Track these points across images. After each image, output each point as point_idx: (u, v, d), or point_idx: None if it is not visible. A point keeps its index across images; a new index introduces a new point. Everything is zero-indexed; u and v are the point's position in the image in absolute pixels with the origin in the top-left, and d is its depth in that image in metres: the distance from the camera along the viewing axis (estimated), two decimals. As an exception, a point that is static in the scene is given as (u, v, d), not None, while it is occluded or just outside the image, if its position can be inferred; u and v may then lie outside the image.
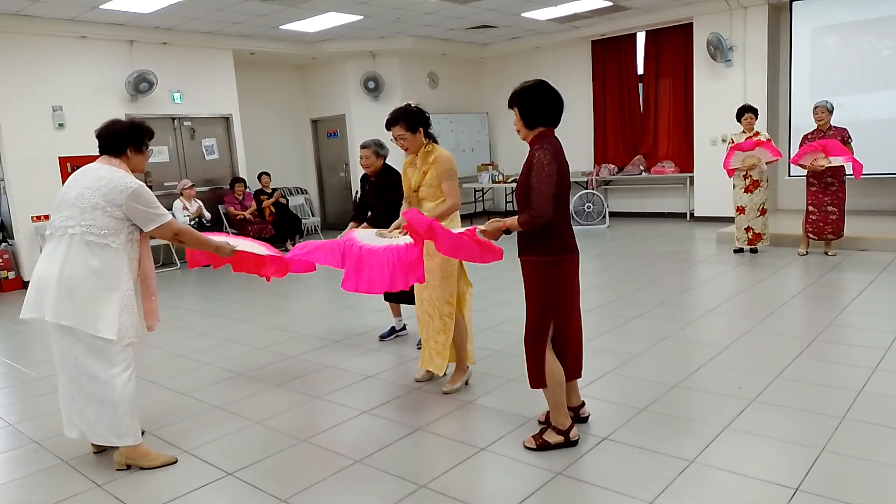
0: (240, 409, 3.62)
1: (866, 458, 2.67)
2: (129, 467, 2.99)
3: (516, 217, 2.87)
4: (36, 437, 3.43)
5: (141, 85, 8.45)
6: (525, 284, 2.92)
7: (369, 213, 4.55)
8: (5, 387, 4.34)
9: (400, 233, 3.61)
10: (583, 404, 3.18)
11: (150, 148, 3.17)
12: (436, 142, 3.76)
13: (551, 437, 2.92)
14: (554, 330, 2.90)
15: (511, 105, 2.94)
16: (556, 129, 2.94)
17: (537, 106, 2.87)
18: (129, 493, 2.77)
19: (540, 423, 3.15)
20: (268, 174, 9.84)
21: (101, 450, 3.15)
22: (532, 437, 2.96)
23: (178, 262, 8.86)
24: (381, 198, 4.48)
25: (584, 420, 3.15)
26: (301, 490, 2.69)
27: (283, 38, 9.81)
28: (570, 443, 2.91)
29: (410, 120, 3.64)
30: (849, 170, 6.44)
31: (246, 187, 9.48)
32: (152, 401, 3.81)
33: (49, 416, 3.72)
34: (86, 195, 2.87)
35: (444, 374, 3.82)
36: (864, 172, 6.51)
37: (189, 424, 3.47)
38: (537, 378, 2.90)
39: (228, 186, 9.47)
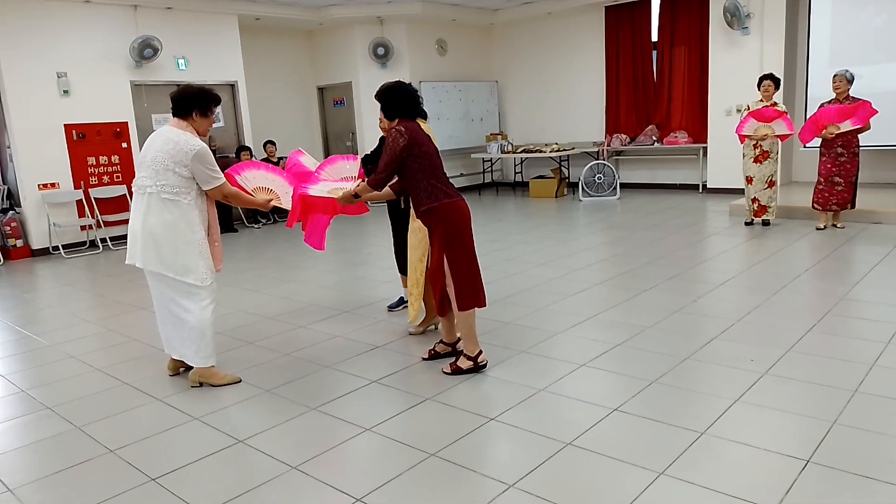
0: (249, 377, 3.63)
1: (878, 431, 2.64)
2: (201, 384, 3.54)
3: (363, 183, 3.52)
4: (48, 403, 3.45)
5: (145, 51, 8.34)
6: (429, 235, 3.51)
7: (369, 166, 4.47)
8: (16, 353, 4.36)
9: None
10: (458, 339, 3.67)
11: (216, 113, 3.55)
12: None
13: (463, 363, 3.47)
14: (451, 265, 3.37)
15: (377, 99, 3.59)
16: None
17: (395, 102, 3.47)
18: (136, 459, 2.79)
19: (445, 373, 3.53)
20: (273, 143, 9.75)
21: (176, 372, 3.73)
22: (449, 364, 3.52)
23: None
24: None
25: (461, 353, 3.59)
26: (312, 457, 2.70)
27: (289, 3, 9.64)
28: (478, 367, 3.47)
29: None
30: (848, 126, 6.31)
31: (251, 155, 9.40)
32: (158, 368, 3.82)
33: (60, 383, 3.75)
34: (158, 158, 3.29)
35: (436, 327, 4.19)
36: (878, 144, 6.40)
37: (199, 391, 3.49)
38: (443, 307, 3.52)
39: (234, 154, 9.40)
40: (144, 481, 2.60)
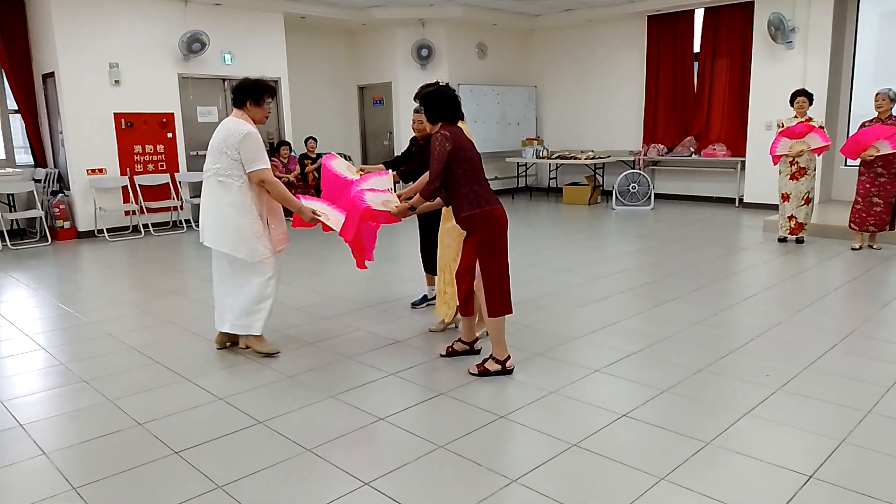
0: (273, 364, 3.78)
1: (886, 452, 2.64)
2: (247, 347, 3.92)
3: (416, 195, 3.59)
4: (84, 377, 3.65)
5: (193, 45, 8.63)
6: (465, 237, 3.51)
7: (401, 168, 4.57)
8: (58, 329, 4.60)
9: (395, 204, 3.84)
10: (477, 339, 3.80)
11: (270, 103, 3.81)
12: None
13: (491, 366, 3.51)
14: (485, 272, 3.40)
15: (418, 102, 3.63)
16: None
17: (438, 106, 3.47)
18: (162, 433, 2.95)
19: (472, 374, 3.58)
20: (315, 139, 9.95)
21: (223, 346, 4.00)
22: (476, 364, 3.55)
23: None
24: (423, 162, 4.49)
25: (477, 352, 3.77)
26: (326, 441, 2.82)
27: (333, 3, 9.85)
28: (506, 371, 3.50)
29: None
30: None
31: (291, 151, 9.64)
32: (189, 350, 3.99)
33: (97, 358, 3.96)
34: (216, 143, 3.63)
35: (456, 326, 4.24)
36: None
37: (225, 374, 3.64)
38: (467, 308, 3.56)
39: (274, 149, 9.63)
40: (168, 454, 2.75)
